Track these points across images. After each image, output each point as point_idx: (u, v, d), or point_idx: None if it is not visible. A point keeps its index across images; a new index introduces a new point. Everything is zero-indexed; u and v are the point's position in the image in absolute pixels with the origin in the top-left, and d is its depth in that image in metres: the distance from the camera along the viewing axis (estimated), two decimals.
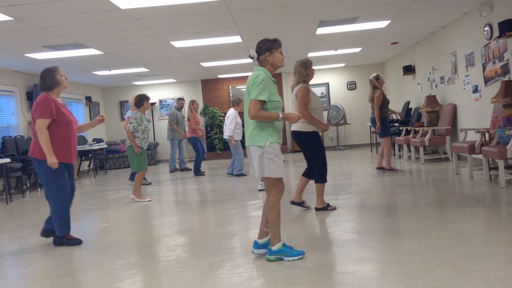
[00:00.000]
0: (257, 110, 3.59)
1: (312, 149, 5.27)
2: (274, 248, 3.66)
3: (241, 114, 10.58)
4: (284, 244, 3.69)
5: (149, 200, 7.32)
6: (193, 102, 10.56)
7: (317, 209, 5.41)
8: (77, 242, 4.78)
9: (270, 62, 3.74)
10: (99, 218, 6.30)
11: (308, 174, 5.48)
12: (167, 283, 3.39)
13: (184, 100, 11.56)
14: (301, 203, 5.56)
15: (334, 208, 5.44)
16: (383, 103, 8.13)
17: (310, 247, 4.00)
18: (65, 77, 4.82)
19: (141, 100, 7.36)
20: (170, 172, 11.58)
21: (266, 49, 3.72)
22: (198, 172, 10.35)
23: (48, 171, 4.62)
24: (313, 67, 5.35)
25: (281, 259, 3.65)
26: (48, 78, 4.69)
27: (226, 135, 9.43)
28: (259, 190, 7.33)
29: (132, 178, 9.09)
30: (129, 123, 7.26)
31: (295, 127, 5.23)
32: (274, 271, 3.45)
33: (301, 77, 5.26)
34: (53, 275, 3.80)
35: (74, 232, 5.01)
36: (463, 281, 2.93)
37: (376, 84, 8.19)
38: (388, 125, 8.31)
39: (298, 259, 3.64)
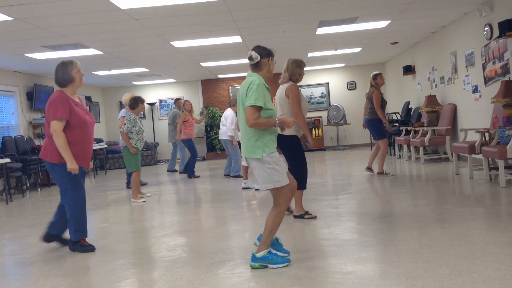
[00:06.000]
0: (256, 117, 3.45)
1: (292, 154, 5.00)
2: (259, 255, 3.52)
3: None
4: (270, 252, 3.56)
5: (144, 201, 7.34)
6: (183, 103, 10.38)
7: (295, 216, 5.14)
8: (90, 249, 4.46)
9: (269, 68, 3.69)
10: (99, 218, 6.31)
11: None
12: (167, 283, 3.39)
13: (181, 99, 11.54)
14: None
15: (314, 217, 5.10)
16: (381, 103, 7.95)
17: (310, 247, 4.01)
18: (82, 73, 4.39)
19: (136, 102, 7.34)
20: (177, 172, 11.57)
21: (267, 54, 3.68)
22: (192, 174, 10.24)
23: (63, 176, 4.31)
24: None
25: (265, 267, 3.51)
26: (61, 74, 4.29)
27: (225, 136, 9.20)
28: (243, 188, 7.50)
29: (129, 183, 9.02)
30: (123, 124, 7.25)
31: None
32: (274, 271, 3.45)
33: (294, 76, 5.06)
34: (53, 275, 3.80)
35: None
36: (463, 281, 2.93)
37: (372, 83, 7.97)
38: (384, 126, 8.08)
39: (283, 266, 3.50)
